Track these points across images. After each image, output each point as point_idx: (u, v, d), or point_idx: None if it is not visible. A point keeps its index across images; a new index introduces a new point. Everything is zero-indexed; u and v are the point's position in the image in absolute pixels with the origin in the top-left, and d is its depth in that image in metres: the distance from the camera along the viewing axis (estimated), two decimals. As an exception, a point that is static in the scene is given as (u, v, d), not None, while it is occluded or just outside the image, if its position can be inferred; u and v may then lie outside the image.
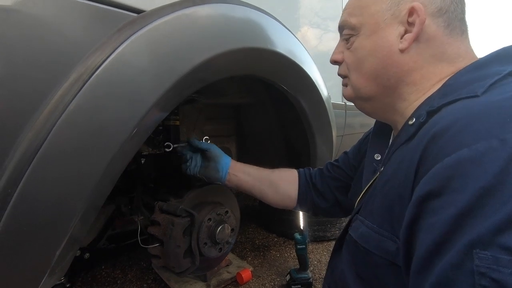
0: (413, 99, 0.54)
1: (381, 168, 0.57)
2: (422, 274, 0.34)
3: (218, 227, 1.01)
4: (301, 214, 1.54)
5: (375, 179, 0.59)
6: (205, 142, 0.98)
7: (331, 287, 0.67)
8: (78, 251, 1.65)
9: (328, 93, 1.25)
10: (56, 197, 0.47)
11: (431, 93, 0.51)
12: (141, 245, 0.97)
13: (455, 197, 0.32)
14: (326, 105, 1.24)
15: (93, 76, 0.46)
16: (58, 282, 1.52)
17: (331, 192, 0.89)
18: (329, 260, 0.72)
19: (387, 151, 0.59)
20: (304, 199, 0.92)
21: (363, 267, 0.52)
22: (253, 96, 1.44)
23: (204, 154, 0.97)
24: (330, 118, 1.28)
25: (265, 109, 1.50)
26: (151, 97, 0.53)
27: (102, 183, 0.53)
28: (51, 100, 0.44)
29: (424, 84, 0.53)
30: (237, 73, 0.79)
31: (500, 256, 0.27)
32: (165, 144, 0.98)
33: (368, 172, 0.67)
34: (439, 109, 0.44)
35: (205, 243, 1.00)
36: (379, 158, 0.66)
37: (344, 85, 0.64)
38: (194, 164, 0.97)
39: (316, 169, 0.97)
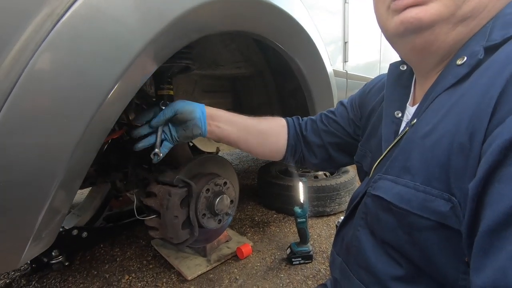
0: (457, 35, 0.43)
1: (413, 121, 0.49)
2: (501, 233, 0.28)
3: (217, 198, 0.98)
4: (301, 188, 1.51)
5: (401, 137, 0.51)
6: (167, 107, 0.78)
7: (340, 254, 0.64)
8: (75, 230, 1.63)
9: (329, 58, 1.18)
10: (33, 157, 0.42)
11: (469, 26, 0.41)
12: (137, 217, 0.94)
13: None
14: (327, 70, 1.18)
15: (69, 11, 0.40)
16: (56, 260, 1.50)
17: (323, 147, 0.82)
18: (339, 228, 0.68)
19: (421, 100, 0.50)
20: (293, 151, 0.85)
21: (392, 231, 0.47)
22: (250, 66, 1.37)
23: (172, 121, 0.80)
24: (331, 84, 1.23)
25: (263, 80, 1.43)
26: (138, 41, 0.47)
27: (82, 145, 0.47)
28: (17, 40, 0.38)
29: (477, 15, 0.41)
30: (230, 28, 0.72)
31: None
32: (152, 155, 0.79)
33: (388, 132, 0.58)
34: (504, 42, 0.36)
35: (204, 214, 0.97)
36: (399, 115, 0.57)
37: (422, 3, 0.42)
38: (167, 139, 0.81)
39: (306, 119, 0.87)
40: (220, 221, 1.03)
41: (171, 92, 1.12)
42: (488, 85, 0.34)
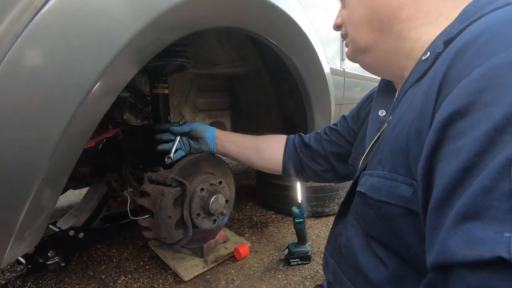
0: (416, 36, 0.47)
1: (389, 117, 0.52)
2: (443, 208, 0.29)
3: (212, 198, 0.97)
4: (299, 188, 1.50)
5: (380, 134, 0.54)
6: (185, 124, 0.99)
7: (333, 256, 0.62)
8: (72, 230, 1.62)
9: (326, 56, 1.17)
10: (13, 151, 0.41)
11: (442, 27, 0.44)
12: (131, 217, 0.92)
13: (488, 111, 0.26)
14: (324, 68, 1.16)
15: (48, 4, 0.38)
16: (52, 261, 1.49)
17: (325, 156, 0.85)
18: (331, 229, 0.67)
19: (396, 97, 0.53)
20: (289, 163, 0.90)
21: (375, 224, 0.47)
22: (247, 65, 1.36)
23: (188, 135, 1.00)
24: (328, 83, 1.21)
25: (260, 79, 1.42)
26: (123, 35, 0.46)
27: (65, 141, 0.46)
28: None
29: (423, 18, 0.47)
30: (221, 23, 0.71)
31: None
32: (166, 158, 0.94)
33: (372, 130, 0.61)
34: (458, 34, 0.38)
35: (198, 214, 0.95)
36: (383, 114, 0.61)
37: (346, 45, 0.62)
38: (179, 147, 0.99)
39: (312, 132, 0.92)
40: (215, 221, 1.01)
41: (166, 91, 1.11)
42: (435, 72, 0.36)
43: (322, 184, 1.96)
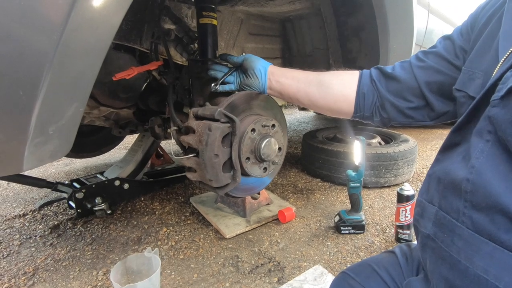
0: None
1: None
2: None
3: (264, 141, 0.83)
4: (357, 148, 1.31)
5: None
6: (239, 56, 0.87)
7: (435, 201, 0.46)
8: (118, 180, 1.63)
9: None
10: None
11: None
12: (173, 156, 0.83)
13: None
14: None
15: None
16: (98, 208, 1.51)
17: (417, 87, 0.64)
18: (429, 170, 0.50)
19: None
20: (364, 100, 0.71)
21: None
22: (306, 1, 1.16)
23: (241, 67, 0.87)
24: (412, 14, 0.97)
25: (320, 18, 1.21)
26: None
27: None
28: None
29: None
30: None
31: None
32: (212, 85, 0.87)
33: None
34: None
35: (248, 158, 0.83)
36: None
37: None
38: (232, 81, 0.89)
39: (397, 62, 0.71)
40: (265, 169, 0.88)
41: (214, 22, 0.97)
42: None
43: (379, 151, 1.73)
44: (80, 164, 2.64)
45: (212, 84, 0.87)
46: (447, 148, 0.47)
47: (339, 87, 0.74)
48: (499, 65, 0.41)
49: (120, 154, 2.88)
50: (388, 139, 2.14)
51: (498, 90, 0.37)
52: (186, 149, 0.84)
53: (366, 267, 0.66)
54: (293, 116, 5.06)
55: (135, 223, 1.48)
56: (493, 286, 0.34)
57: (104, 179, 1.64)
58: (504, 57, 0.41)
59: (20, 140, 0.35)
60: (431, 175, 0.49)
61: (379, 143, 2.04)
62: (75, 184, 1.60)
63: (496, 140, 0.37)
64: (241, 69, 0.87)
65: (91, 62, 0.42)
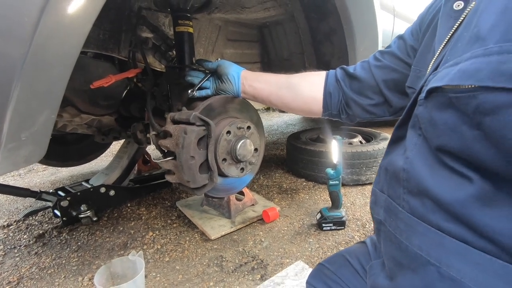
0: None
1: (472, 2, 0.40)
2: None
3: (239, 142, 0.87)
4: (335, 147, 1.36)
5: (462, 20, 0.41)
6: (214, 62, 0.91)
7: (384, 189, 0.51)
8: (103, 187, 1.64)
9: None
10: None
11: None
12: (154, 160, 0.86)
13: None
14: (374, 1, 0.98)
15: None
16: (84, 215, 1.52)
17: (376, 86, 0.69)
18: (381, 162, 0.55)
19: None
20: (331, 100, 0.76)
21: (456, 130, 0.35)
22: (280, 6, 1.21)
23: (216, 73, 0.91)
24: (377, 21, 1.03)
25: (294, 24, 1.26)
26: None
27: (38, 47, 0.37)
28: None
29: None
30: None
31: None
32: (189, 91, 0.92)
33: (444, 28, 0.47)
34: None
35: (224, 159, 0.87)
36: (460, 6, 0.45)
37: None
38: (208, 86, 0.93)
39: (358, 62, 0.76)
40: (242, 169, 0.92)
41: (190, 30, 1.01)
42: None
43: (359, 150, 1.79)
44: (66, 173, 2.62)
45: (190, 90, 0.91)
46: (393, 142, 0.52)
47: (308, 89, 0.78)
48: (430, 65, 0.46)
49: (106, 162, 2.87)
50: (369, 138, 2.21)
51: (423, 91, 0.42)
52: (165, 153, 0.87)
53: (340, 257, 0.71)
54: (280, 118, 5.13)
55: (121, 228, 1.49)
56: (425, 260, 0.39)
57: (89, 186, 1.64)
58: (434, 58, 0.46)
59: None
60: (381, 167, 0.54)
61: (360, 141, 2.10)
62: (59, 192, 1.60)
63: (422, 133, 0.42)
64: (216, 74, 0.91)
65: (61, 70, 0.45)
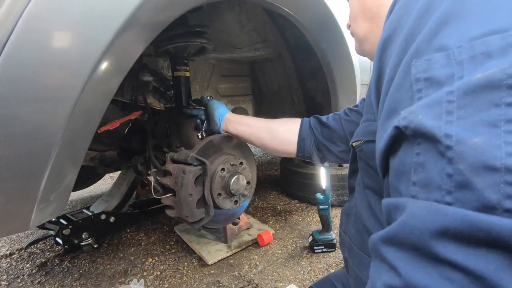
0: None
1: None
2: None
3: (232, 178, 0.96)
4: (323, 173, 1.45)
5: None
6: (206, 98, 1.05)
7: (346, 231, 0.60)
8: (104, 214, 1.70)
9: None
10: (33, 111, 0.42)
11: None
12: (154, 196, 0.94)
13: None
14: (349, 46, 1.11)
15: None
16: (85, 243, 1.57)
17: (344, 136, 0.81)
18: (343, 208, 0.66)
19: None
20: (304, 143, 0.87)
21: (367, 172, 0.50)
22: (268, 47, 1.33)
23: (206, 110, 1.05)
24: (353, 62, 1.15)
25: (282, 61, 1.39)
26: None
27: (77, 116, 0.47)
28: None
29: None
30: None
31: (433, 56, 0.25)
32: (199, 134, 1.07)
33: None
34: None
35: (219, 194, 0.95)
36: None
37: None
38: (201, 122, 1.06)
39: (330, 113, 0.88)
40: (236, 202, 1.01)
41: (188, 74, 1.12)
42: None
43: (344, 172, 1.89)
44: (65, 198, 2.67)
45: (198, 134, 1.06)
46: (349, 191, 0.63)
47: (284, 134, 0.90)
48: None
49: (105, 185, 2.93)
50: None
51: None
52: (165, 189, 0.96)
53: (327, 281, 0.80)
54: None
55: (122, 255, 1.55)
56: (364, 283, 0.49)
57: (90, 213, 1.71)
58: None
59: (30, 207, 0.46)
60: (342, 211, 0.64)
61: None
62: (61, 220, 1.66)
63: (360, 180, 0.53)
64: (206, 113, 1.05)
65: (88, 137, 0.54)
